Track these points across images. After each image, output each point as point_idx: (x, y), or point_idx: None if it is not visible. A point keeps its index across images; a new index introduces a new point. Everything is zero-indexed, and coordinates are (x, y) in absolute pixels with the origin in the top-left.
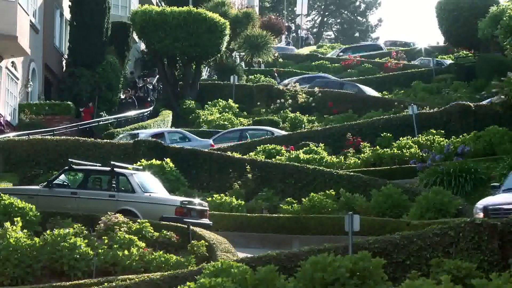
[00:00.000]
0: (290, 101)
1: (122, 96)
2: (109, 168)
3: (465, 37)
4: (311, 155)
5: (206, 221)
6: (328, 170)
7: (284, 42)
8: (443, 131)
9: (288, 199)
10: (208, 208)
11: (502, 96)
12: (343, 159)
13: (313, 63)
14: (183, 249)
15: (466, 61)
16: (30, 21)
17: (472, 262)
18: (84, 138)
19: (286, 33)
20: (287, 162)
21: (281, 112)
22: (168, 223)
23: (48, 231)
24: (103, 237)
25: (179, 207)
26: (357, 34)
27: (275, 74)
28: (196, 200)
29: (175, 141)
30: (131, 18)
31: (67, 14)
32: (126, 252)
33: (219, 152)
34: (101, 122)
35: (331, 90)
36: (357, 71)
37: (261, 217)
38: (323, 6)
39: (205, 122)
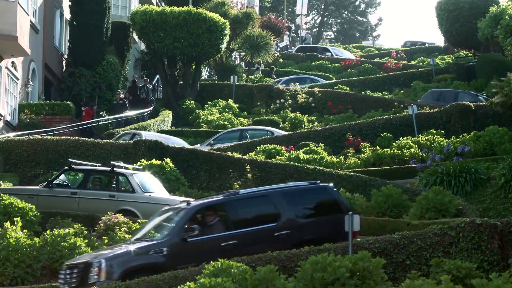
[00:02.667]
0: (290, 101)
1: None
2: (109, 168)
3: (465, 37)
4: (311, 155)
5: None
6: (328, 170)
7: (299, 39)
8: (443, 131)
9: None
10: None
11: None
12: (343, 159)
13: (313, 63)
14: None
15: (466, 61)
16: (30, 21)
17: (472, 262)
18: (84, 138)
19: (303, 31)
20: (287, 162)
21: (281, 112)
22: None
23: (48, 231)
24: (103, 237)
25: None
26: (357, 34)
27: (272, 72)
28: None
29: None
30: (131, 18)
31: (67, 14)
32: None
33: (219, 152)
34: (101, 122)
35: (331, 90)
36: (357, 71)
37: None
38: (323, 6)
39: (205, 122)
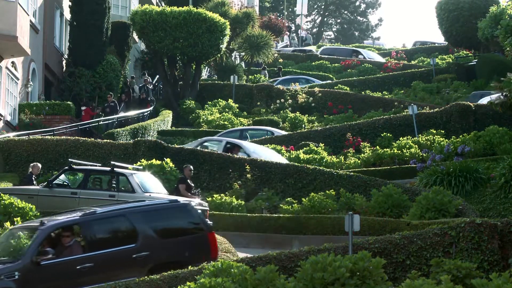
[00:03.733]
0: (290, 101)
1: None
2: (109, 168)
3: (465, 37)
4: (311, 155)
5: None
6: (328, 170)
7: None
8: (443, 131)
9: (288, 199)
10: (208, 208)
11: (501, 96)
12: (343, 159)
13: (313, 63)
14: None
15: (466, 61)
16: (30, 21)
17: (472, 262)
18: (84, 138)
19: (302, 31)
20: (287, 162)
21: (281, 112)
22: None
23: None
24: None
25: None
26: (357, 34)
27: (279, 71)
28: (196, 200)
29: None
30: (131, 18)
31: (67, 14)
32: None
33: (219, 152)
34: (101, 122)
35: (331, 90)
36: (357, 71)
37: (261, 217)
38: (323, 6)
39: (205, 122)
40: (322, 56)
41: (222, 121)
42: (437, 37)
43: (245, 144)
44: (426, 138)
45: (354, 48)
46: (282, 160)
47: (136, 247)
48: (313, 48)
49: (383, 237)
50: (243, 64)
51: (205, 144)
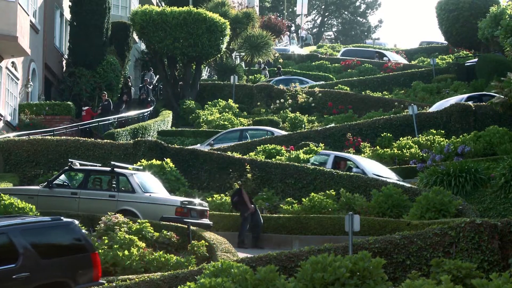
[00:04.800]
0: (290, 101)
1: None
2: (109, 168)
3: (465, 37)
4: (311, 155)
5: (206, 221)
6: (328, 170)
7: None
8: (443, 131)
9: (288, 199)
10: (208, 208)
11: (501, 96)
12: None
13: (313, 63)
14: (183, 249)
15: (466, 61)
16: (30, 21)
17: (472, 262)
18: (84, 138)
19: (303, 31)
20: (287, 162)
21: (281, 112)
22: (168, 223)
23: None
24: (103, 237)
25: (179, 207)
26: (357, 34)
27: (279, 70)
28: (196, 200)
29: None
30: (131, 18)
31: (67, 14)
32: (126, 252)
33: (219, 152)
34: (101, 123)
35: (331, 90)
36: (357, 71)
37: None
38: (323, 6)
39: (205, 122)
40: (344, 57)
41: (222, 121)
42: (439, 37)
43: (355, 158)
44: (426, 138)
45: (377, 50)
46: (393, 175)
47: (16, 267)
48: (303, 49)
49: (383, 237)
50: (243, 64)
51: (320, 158)
